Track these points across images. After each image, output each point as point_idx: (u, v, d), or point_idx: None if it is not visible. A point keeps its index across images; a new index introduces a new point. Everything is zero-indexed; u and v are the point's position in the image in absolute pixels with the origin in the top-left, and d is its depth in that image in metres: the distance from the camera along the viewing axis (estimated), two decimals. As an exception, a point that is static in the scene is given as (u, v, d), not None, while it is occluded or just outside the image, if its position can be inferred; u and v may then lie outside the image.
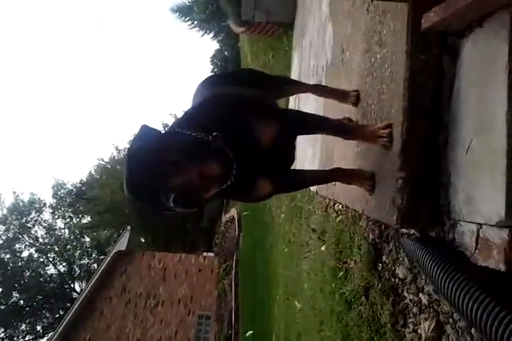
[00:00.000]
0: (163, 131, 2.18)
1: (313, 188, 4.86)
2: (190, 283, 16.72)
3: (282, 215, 8.61)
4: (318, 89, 3.09)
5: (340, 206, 3.42)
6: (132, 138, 2.17)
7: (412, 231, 2.19)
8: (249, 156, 2.14)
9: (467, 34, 1.90)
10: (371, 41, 2.68)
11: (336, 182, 3.54)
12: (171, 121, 27.75)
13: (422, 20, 1.95)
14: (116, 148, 26.55)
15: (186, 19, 27.06)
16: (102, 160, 27.10)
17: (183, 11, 27.21)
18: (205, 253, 18.93)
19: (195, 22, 25.27)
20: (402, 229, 2.30)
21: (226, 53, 27.85)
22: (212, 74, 3.32)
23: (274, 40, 10.78)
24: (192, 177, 1.94)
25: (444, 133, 2.03)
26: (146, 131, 2.11)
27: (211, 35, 26.49)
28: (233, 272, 14.04)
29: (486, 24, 1.77)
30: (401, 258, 2.33)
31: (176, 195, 1.88)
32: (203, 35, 26.79)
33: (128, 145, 27.41)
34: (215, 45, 28.82)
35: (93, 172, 29.13)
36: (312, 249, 4.36)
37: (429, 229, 2.08)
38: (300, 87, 3.11)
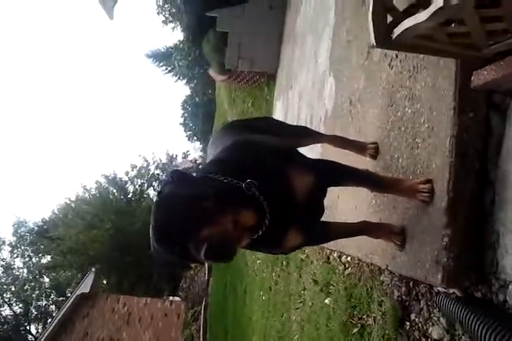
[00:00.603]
0: (194, 176, 2.09)
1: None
2: (155, 328, 16.08)
3: (258, 261, 8.46)
4: (336, 140, 3.08)
5: (348, 258, 3.36)
6: (162, 183, 2.07)
7: (452, 290, 2.13)
8: (282, 206, 2.07)
9: (519, 93, 1.91)
10: (396, 96, 2.70)
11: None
12: (139, 163, 27.57)
13: (472, 78, 1.95)
14: (84, 188, 26.03)
15: (161, 64, 27.54)
16: (69, 199, 26.45)
17: (157, 57, 27.69)
18: (171, 298, 18.36)
19: (170, 67, 25.71)
20: (438, 288, 2.23)
21: (197, 99, 28.13)
22: (230, 121, 3.26)
23: (254, 89, 10.93)
24: (226, 227, 1.85)
25: (491, 192, 2.01)
26: (178, 176, 2.01)
27: (184, 81, 27.00)
28: (202, 318, 13.62)
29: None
30: (435, 318, 2.25)
31: (209, 246, 1.78)
32: (176, 81, 27.26)
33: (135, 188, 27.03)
34: (187, 91, 29.18)
35: (56, 211, 28.38)
36: (308, 301, 4.24)
37: (474, 290, 2.02)
38: (318, 137, 3.08)
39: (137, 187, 27.40)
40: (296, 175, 2.13)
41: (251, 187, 2.00)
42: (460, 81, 2.04)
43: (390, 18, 1.88)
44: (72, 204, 26.28)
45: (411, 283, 2.46)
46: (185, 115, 29.12)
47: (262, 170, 2.12)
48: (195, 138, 29.26)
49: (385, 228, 2.46)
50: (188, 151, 30.35)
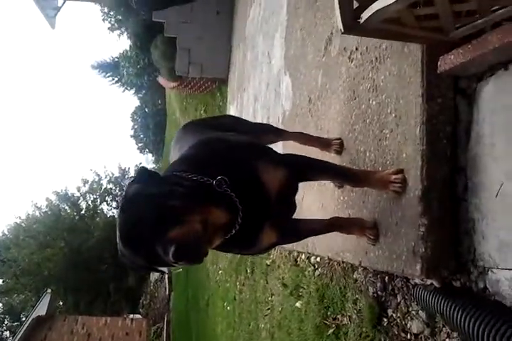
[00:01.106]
0: (161, 175, 1.98)
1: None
2: (117, 348, 15.63)
3: (220, 272, 8.33)
4: (300, 137, 3.01)
5: (318, 259, 3.29)
6: (127, 181, 1.94)
7: (430, 281, 2.08)
8: (254, 203, 1.98)
9: (486, 77, 1.88)
10: (359, 88, 2.65)
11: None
12: (91, 178, 26.97)
13: (439, 63, 1.92)
14: (35, 205, 25.25)
15: (107, 75, 27.07)
16: (19, 218, 25.59)
17: (103, 68, 27.23)
18: (131, 316, 17.92)
19: (117, 78, 25.27)
20: (415, 280, 2.18)
21: (147, 110, 27.74)
22: (190, 121, 3.14)
23: (206, 95, 10.82)
24: (195, 227, 1.73)
25: (463, 178, 1.98)
26: (144, 175, 1.90)
27: (132, 91, 26.58)
28: (164, 334, 13.34)
29: (512, 66, 1.76)
30: (414, 312, 2.20)
31: (177, 247, 1.66)
32: (123, 91, 26.81)
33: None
34: (136, 102, 28.72)
35: (6, 232, 27.33)
36: (277, 306, 4.15)
37: (452, 279, 1.98)
38: (281, 134, 3.01)
39: (90, 203, 26.78)
40: (267, 170, 2.04)
41: (222, 184, 1.90)
42: (427, 67, 2.00)
43: (356, 4, 1.82)
44: (23, 224, 25.48)
45: (386, 278, 2.40)
46: (135, 127, 28.66)
47: (232, 166, 2.02)
48: (146, 149, 28.78)
49: (357, 222, 2.40)
50: (140, 163, 29.85)
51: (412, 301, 2.20)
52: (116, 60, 25.38)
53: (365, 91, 2.56)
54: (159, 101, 25.73)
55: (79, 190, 26.41)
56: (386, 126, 2.30)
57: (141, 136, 28.29)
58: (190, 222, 1.73)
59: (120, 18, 10.82)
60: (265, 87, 5.50)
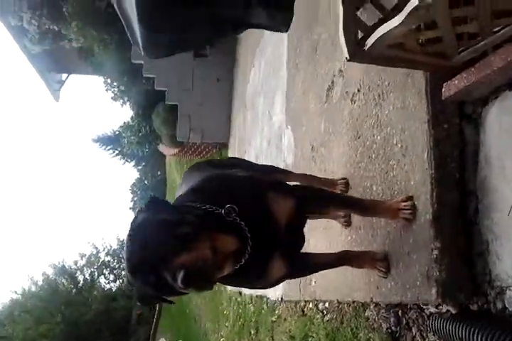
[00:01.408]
0: (171, 204, 1.98)
1: (273, 297, 4.61)
2: None
3: (222, 339, 8.06)
4: (306, 178, 3.03)
5: (326, 304, 3.20)
6: (136, 211, 1.94)
7: (446, 309, 2.03)
8: (263, 232, 1.97)
9: (491, 100, 1.93)
10: (363, 127, 2.70)
11: (314, 281, 3.38)
12: (88, 251, 26.62)
13: (443, 89, 1.97)
14: (31, 280, 24.71)
15: (108, 148, 27.45)
16: (15, 292, 24.95)
17: (104, 141, 27.63)
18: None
19: (118, 150, 25.63)
20: (430, 310, 2.13)
21: (146, 182, 27.88)
22: (196, 162, 3.19)
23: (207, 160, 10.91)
24: (205, 252, 1.71)
25: (474, 200, 1.98)
26: (153, 203, 1.90)
27: (132, 163, 26.87)
28: None
29: (516, 86, 1.82)
30: (430, 344, 2.13)
31: (186, 272, 1.63)
32: (124, 163, 27.08)
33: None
34: (135, 174, 28.90)
35: (1, 308, 26.47)
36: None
37: (469, 303, 1.93)
38: (288, 175, 3.03)
39: (87, 276, 26.26)
40: (276, 200, 2.05)
41: (231, 213, 1.91)
42: (431, 94, 2.06)
43: (360, 35, 1.91)
44: (19, 299, 24.83)
45: (399, 312, 2.34)
46: (135, 199, 28.67)
47: (241, 195, 2.04)
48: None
49: (367, 255, 2.37)
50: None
51: (428, 332, 2.13)
52: (117, 132, 25.91)
53: (370, 129, 2.61)
54: (159, 173, 25.89)
55: (76, 264, 25.94)
56: (393, 158, 2.33)
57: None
58: (200, 249, 1.71)
59: (123, 88, 11.14)
60: (266, 144, 5.59)
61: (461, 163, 2.02)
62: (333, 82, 3.32)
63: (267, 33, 6.10)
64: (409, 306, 2.28)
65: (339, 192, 2.90)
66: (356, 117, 2.83)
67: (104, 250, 27.17)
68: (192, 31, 2.71)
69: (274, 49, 5.61)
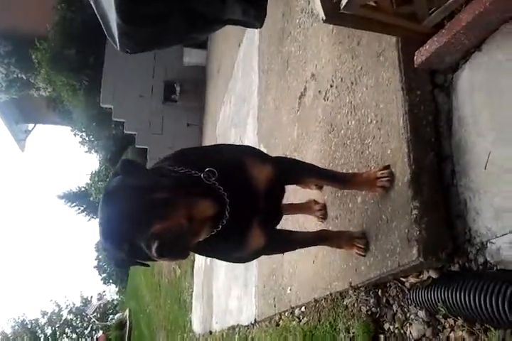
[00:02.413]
0: (146, 167, 1.94)
1: (246, 321, 4.48)
2: None
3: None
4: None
5: (302, 308, 3.11)
6: (110, 175, 1.90)
7: (426, 276, 2.01)
8: (242, 198, 1.95)
9: (461, 65, 2.00)
10: (337, 118, 2.75)
11: (289, 288, 3.31)
12: (50, 309, 25.60)
13: (415, 56, 2.04)
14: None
15: (73, 205, 26.99)
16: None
17: (69, 197, 27.23)
18: None
19: (83, 207, 25.25)
20: (411, 281, 2.10)
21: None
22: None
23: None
24: (180, 221, 1.67)
25: (449, 164, 2.01)
26: (127, 167, 1.85)
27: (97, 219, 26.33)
28: None
29: (486, 46, 1.89)
30: (412, 316, 2.07)
31: (160, 243, 1.59)
32: (89, 220, 26.63)
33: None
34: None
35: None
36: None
37: (451, 264, 1.91)
38: None
39: (48, 336, 25.12)
40: (256, 165, 2.03)
41: (210, 177, 1.88)
42: (404, 64, 2.13)
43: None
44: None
45: (379, 292, 2.29)
46: (99, 257, 28.04)
47: (221, 160, 2.02)
48: (110, 280, 27.85)
49: (345, 234, 2.35)
50: (104, 291, 28.64)
51: (410, 304, 2.09)
52: (83, 188, 25.64)
53: (344, 117, 2.66)
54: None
55: (37, 322, 24.86)
56: (367, 136, 2.36)
57: (105, 266, 27.58)
58: (176, 216, 1.67)
59: (91, 133, 11.15)
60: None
61: (436, 129, 2.06)
62: (305, 89, 3.40)
63: (239, 66, 6.27)
64: (389, 284, 2.25)
65: (314, 187, 2.90)
66: (329, 111, 2.88)
67: (66, 308, 26.23)
68: (167, 25, 2.75)
69: (245, 80, 5.74)
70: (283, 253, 2.67)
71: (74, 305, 26.58)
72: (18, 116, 14.48)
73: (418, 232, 1.90)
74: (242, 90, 5.85)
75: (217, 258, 2.25)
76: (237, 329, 4.96)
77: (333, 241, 2.37)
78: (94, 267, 27.84)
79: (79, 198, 25.91)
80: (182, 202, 1.72)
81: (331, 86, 2.89)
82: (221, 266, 5.97)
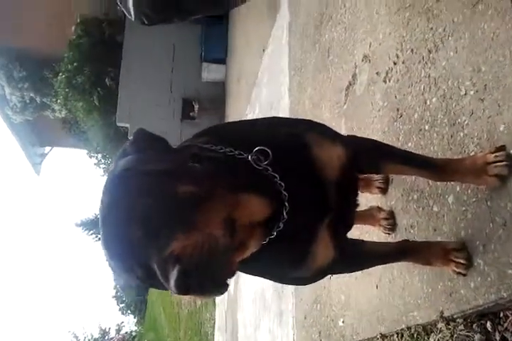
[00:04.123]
0: (173, 146, 1.34)
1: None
2: None
3: None
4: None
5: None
6: (117, 155, 1.29)
7: None
8: (305, 191, 1.35)
9: None
10: (407, 100, 2.16)
11: (342, 320, 2.68)
12: (69, 340, 24.96)
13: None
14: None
15: (91, 232, 26.69)
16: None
17: (87, 225, 26.96)
18: None
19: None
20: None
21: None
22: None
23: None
24: (215, 232, 1.07)
25: None
26: (142, 141, 1.26)
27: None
28: None
29: None
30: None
31: (181, 270, 1.00)
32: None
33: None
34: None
35: None
36: None
37: None
38: None
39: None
40: (324, 145, 1.44)
41: (261, 160, 1.28)
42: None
43: None
44: None
45: (488, 324, 1.65)
46: (117, 287, 27.45)
47: (274, 137, 1.43)
48: (129, 311, 27.10)
49: (437, 245, 1.72)
50: (122, 323, 27.87)
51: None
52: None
53: (417, 97, 2.07)
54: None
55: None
56: (462, 113, 1.76)
57: (123, 296, 26.98)
58: (209, 223, 1.08)
59: (106, 154, 10.71)
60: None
61: None
62: (354, 76, 2.82)
63: (264, 72, 5.75)
64: (504, 314, 1.60)
65: (377, 190, 2.30)
66: (394, 94, 2.29)
67: (84, 339, 25.59)
68: None
69: (271, 85, 5.21)
70: (354, 271, 2.01)
71: (92, 336, 25.90)
72: (34, 139, 14.09)
73: None
74: (269, 96, 5.31)
75: (265, 277, 1.63)
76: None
77: (419, 256, 1.74)
78: (113, 297, 27.25)
79: (96, 225, 25.49)
80: (220, 200, 1.13)
81: (395, 63, 2.31)
82: (248, 293, 5.32)
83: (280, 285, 3.75)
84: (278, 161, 1.31)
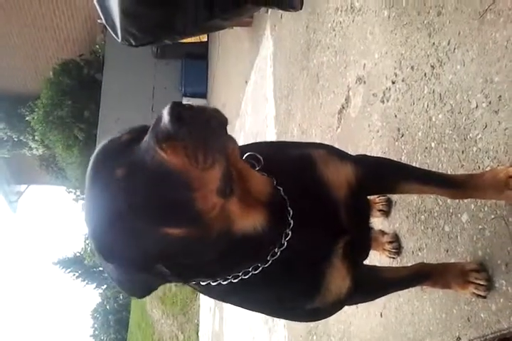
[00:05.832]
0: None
1: None
2: None
3: None
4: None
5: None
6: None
7: None
8: (312, 209, 1.24)
9: None
10: (409, 118, 2.08)
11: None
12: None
13: None
14: None
15: (68, 271, 26.09)
16: None
17: (64, 263, 26.38)
18: None
19: (78, 273, 24.49)
20: None
21: (108, 306, 26.08)
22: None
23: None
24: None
25: None
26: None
27: (93, 285, 25.41)
28: None
29: None
30: None
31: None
32: (85, 286, 25.66)
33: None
34: (97, 299, 27.17)
35: None
36: None
37: None
38: None
39: None
40: (332, 163, 1.33)
41: (254, 165, 1.21)
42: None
43: None
44: None
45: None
46: (95, 325, 26.75)
47: (279, 154, 1.36)
48: (107, 351, 26.33)
49: (455, 267, 1.60)
50: (98, 362, 26.96)
51: None
52: (78, 254, 24.77)
53: (421, 114, 1.98)
54: (121, 296, 24.37)
55: None
56: (473, 126, 1.67)
57: (101, 335, 26.27)
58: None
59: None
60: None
61: None
62: (347, 99, 2.74)
63: (247, 103, 5.70)
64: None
65: (378, 213, 2.19)
66: (393, 114, 2.21)
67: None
68: (182, 6, 2.19)
69: (256, 114, 5.14)
70: (372, 301, 1.82)
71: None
72: (10, 177, 13.80)
73: None
74: (253, 126, 5.24)
75: (267, 313, 1.45)
76: None
77: (437, 279, 1.61)
78: (91, 336, 26.54)
79: (74, 263, 25.02)
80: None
81: (393, 82, 2.23)
82: (234, 326, 5.10)
83: (271, 318, 3.57)
84: (283, 179, 1.20)
